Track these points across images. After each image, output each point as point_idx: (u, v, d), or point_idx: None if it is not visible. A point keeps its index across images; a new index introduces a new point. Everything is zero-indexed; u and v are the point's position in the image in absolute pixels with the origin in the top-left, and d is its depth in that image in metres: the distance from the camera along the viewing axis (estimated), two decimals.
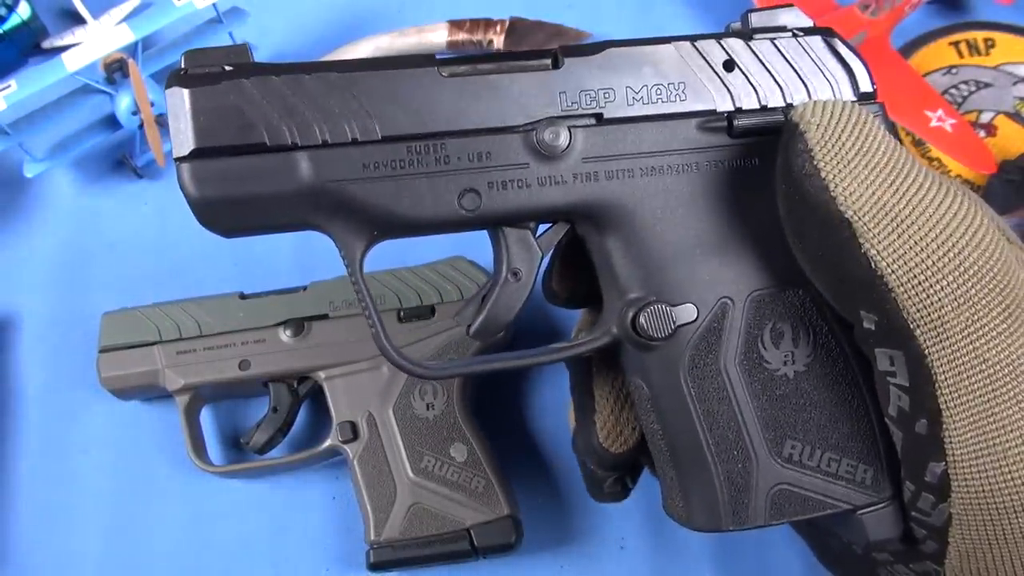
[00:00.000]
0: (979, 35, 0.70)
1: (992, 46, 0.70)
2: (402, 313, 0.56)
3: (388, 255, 0.54)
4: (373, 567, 0.53)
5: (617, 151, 0.37)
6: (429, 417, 0.55)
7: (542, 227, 0.39)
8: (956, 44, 0.70)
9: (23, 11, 0.69)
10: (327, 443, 0.55)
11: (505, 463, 0.55)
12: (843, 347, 0.37)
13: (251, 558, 0.57)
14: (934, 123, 0.63)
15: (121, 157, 0.67)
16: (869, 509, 0.37)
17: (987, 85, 0.68)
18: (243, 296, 0.57)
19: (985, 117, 0.67)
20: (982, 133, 0.66)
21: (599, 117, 0.37)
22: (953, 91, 0.68)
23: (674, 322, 0.37)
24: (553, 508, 0.58)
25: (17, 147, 0.63)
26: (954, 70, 0.69)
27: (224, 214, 0.36)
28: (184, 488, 0.58)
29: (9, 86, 0.60)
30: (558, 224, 0.39)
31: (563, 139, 0.37)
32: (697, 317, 0.37)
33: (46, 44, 0.71)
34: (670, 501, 0.41)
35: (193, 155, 0.35)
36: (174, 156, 0.35)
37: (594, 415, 0.44)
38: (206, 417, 0.59)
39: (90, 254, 0.65)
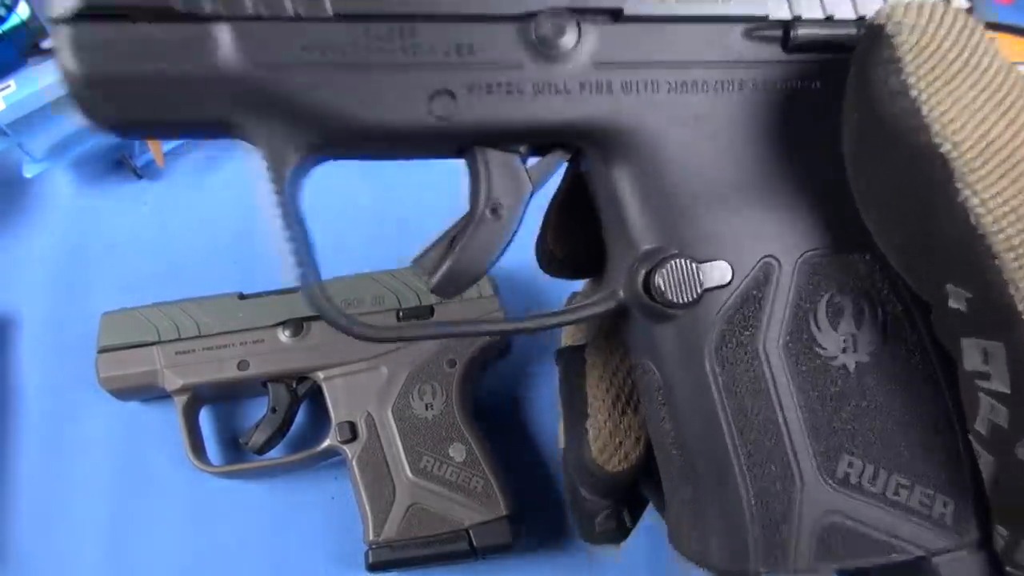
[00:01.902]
0: None
1: None
2: (401, 313, 0.56)
3: (388, 255, 0.54)
4: (372, 567, 0.53)
5: (639, 57, 0.29)
6: (428, 417, 0.55)
7: (533, 160, 0.31)
8: None
9: (23, 11, 0.69)
10: (326, 443, 0.55)
11: (504, 463, 0.55)
12: (921, 334, 0.29)
13: (251, 558, 0.57)
14: None
15: (121, 157, 0.67)
16: (946, 555, 0.28)
17: None
18: (242, 296, 0.57)
19: None
20: None
21: (618, 12, 0.29)
22: None
23: (701, 284, 0.28)
24: (553, 508, 0.58)
25: (17, 147, 0.63)
26: None
27: (113, 99, 0.27)
28: (184, 488, 0.58)
29: (9, 86, 0.60)
30: (555, 151, 0.31)
31: (569, 36, 0.28)
32: (732, 280, 0.29)
33: (46, 44, 0.71)
34: (678, 530, 0.32)
35: (78, 16, 0.26)
36: (50, 16, 0.27)
37: (586, 420, 0.35)
38: (205, 417, 0.59)
39: (90, 254, 0.65)
